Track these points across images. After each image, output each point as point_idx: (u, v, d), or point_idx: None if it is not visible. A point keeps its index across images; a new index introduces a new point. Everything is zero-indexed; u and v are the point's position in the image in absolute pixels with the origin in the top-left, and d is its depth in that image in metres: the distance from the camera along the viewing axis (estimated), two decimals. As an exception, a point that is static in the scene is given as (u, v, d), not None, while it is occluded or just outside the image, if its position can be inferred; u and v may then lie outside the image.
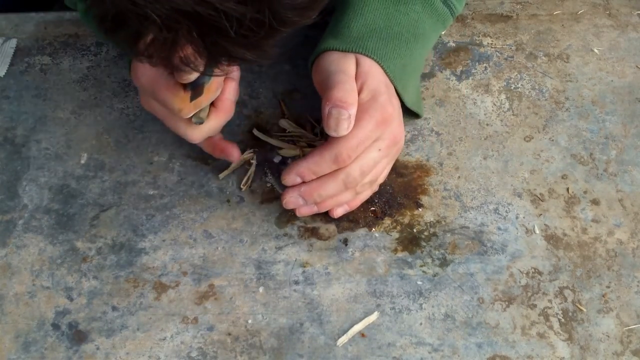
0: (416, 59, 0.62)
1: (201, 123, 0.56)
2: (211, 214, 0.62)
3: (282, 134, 0.65)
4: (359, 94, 0.56)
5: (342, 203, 0.59)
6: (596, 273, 0.59)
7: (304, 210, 0.58)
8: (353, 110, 0.54)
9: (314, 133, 0.65)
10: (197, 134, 0.57)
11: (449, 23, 0.66)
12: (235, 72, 0.58)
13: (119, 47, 0.66)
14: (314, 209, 0.58)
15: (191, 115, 0.55)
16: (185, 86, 0.53)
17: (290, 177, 0.56)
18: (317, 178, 0.56)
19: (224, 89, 0.57)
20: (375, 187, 0.61)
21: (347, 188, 0.57)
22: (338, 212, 0.60)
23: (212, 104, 0.57)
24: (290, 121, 0.66)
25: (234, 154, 0.60)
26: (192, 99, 0.53)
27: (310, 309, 0.57)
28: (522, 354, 0.55)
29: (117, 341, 0.56)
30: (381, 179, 0.61)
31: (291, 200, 0.57)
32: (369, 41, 0.59)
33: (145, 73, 0.55)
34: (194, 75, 0.51)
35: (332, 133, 0.53)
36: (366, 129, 0.55)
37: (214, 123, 0.57)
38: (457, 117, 0.68)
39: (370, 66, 0.57)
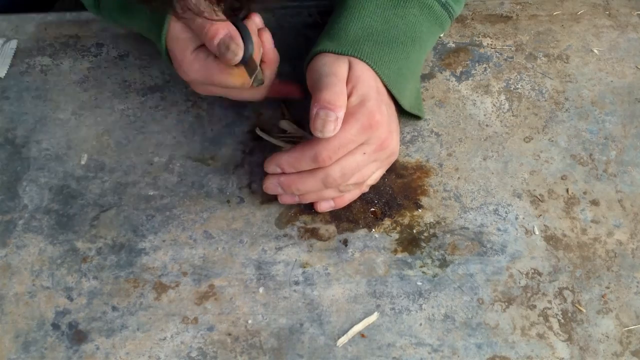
0: (413, 62, 0.62)
1: (262, 84, 0.59)
2: (211, 214, 0.62)
3: (282, 135, 0.65)
4: (348, 97, 0.56)
5: (326, 199, 0.60)
6: (596, 274, 0.59)
7: (286, 199, 0.60)
8: (341, 113, 0.54)
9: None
10: (261, 93, 0.62)
11: (448, 26, 0.66)
12: (257, 19, 0.60)
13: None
14: (296, 199, 0.60)
15: (252, 82, 0.58)
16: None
17: (270, 166, 0.58)
18: (297, 172, 0.57)
19: (263, 42, 0.59)
20: (365, 189, 0.61)
21: (327, 187, 0.57)
22: (322, 207, 0.60)
23: (261, 60, 0.59)
24: (290, 122, 0.66)
25: (297, 91, 0.65)
26: (251, 74, 0.57)
27: (310, 310, 0.57)
28: (522, 355, 0.55)
29: (117, 341, 0.56)
30: (371, 181, 0.61)
31: (270, 186, 0.59)
32: (364, 45, 0.59)
33: (193, 68, 0.58)
34: (240, 54, 0.55)
35: (318, 134, 0.54)
36: (350, 133, 0.55)
37: (269, 74, 0.60)
38: (456, 118, 0.68)
39: (362, 70, 0.57)
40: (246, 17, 0.59)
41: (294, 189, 0.57)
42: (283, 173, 0.57)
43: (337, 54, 0.58)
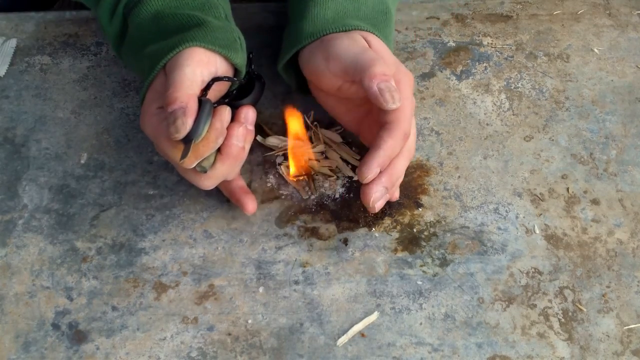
0: (392, 31, 0.63)
1: (204, 172, 0.54)
2: (211, 213, 0.62)
3: (275, 151, 0.64)
4: None
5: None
6: (596, 273, 0.59)
7: (380, 204, 0.55)
8: (393, 80, 0.54)
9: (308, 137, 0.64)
10: (206, 182, 0.55)
11: None
12: (250, 114, 0.56)
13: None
14: (387, 197, 0.56)
15: (194, 165, 0.53)
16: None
17: (372, 171, 0.53)
18: (390, 163, 0.55)
19: (229, 134, 0.54)
20: None
21: (409, 159, 0.57)
22: (379, 205, 0.56)
23: (219, 150, 0.55)
24: (276, 135, 0.64)
25: (249, 208, 0.59)
26: (182, 157, 0.52)
27: (310, 309, 0.57)
28: (522, 354, 0.55)
29: (117, 341, 0.56)
30: None
31: (378, 195, 0.54)
32: (355, 21, 0.59)
33: (150, 122, 0.54)
34: (181, 134, 0.51)
35: (392, 106, 0.53)
36: (409, 97, 0.55)
37: (222, 169, 0.55)
38: (457, 117, 0.68)
39: (376, 40, 0.58)
40: (239, 106, 0.56)
41: (394, 179, 0.55)
42: (380, 173, 0.54)
43: (346, 30, 0.58)
